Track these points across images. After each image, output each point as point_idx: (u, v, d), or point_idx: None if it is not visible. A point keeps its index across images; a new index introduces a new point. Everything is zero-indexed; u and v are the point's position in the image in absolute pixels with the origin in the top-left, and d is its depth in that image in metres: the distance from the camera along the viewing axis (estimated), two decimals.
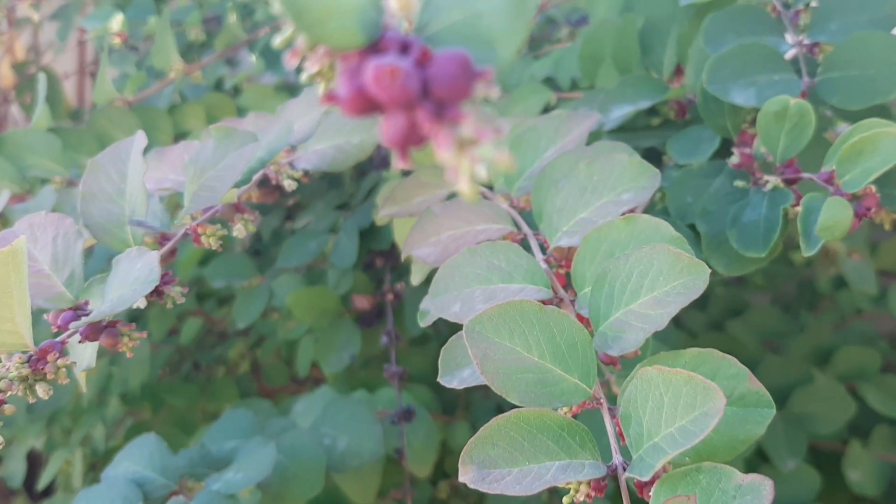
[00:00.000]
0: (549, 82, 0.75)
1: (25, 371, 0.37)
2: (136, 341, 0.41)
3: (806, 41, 0.52)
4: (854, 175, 0.43)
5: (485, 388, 0.34)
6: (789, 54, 0.52)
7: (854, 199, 0.43)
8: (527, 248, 0.42)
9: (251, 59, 0.99)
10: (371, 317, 0.79)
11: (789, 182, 0.48)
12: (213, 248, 0.46)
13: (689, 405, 0.28)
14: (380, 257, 0.78)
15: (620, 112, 0.57)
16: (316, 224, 0.78)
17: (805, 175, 0.47)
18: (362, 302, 0.78)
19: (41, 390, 0.38)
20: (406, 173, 0.63)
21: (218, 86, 0.97)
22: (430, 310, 0.40)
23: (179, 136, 0.77)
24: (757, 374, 0.32)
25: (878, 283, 0.86)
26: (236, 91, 0.96)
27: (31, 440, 0.97)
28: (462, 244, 0.43)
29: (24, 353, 0.38)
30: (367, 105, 0.19)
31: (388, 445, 0.65)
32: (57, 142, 0.69)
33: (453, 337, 0.37)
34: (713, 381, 0.28)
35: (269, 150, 0.48)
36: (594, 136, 0.55)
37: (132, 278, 0.39)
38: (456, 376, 0.36)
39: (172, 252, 0.46)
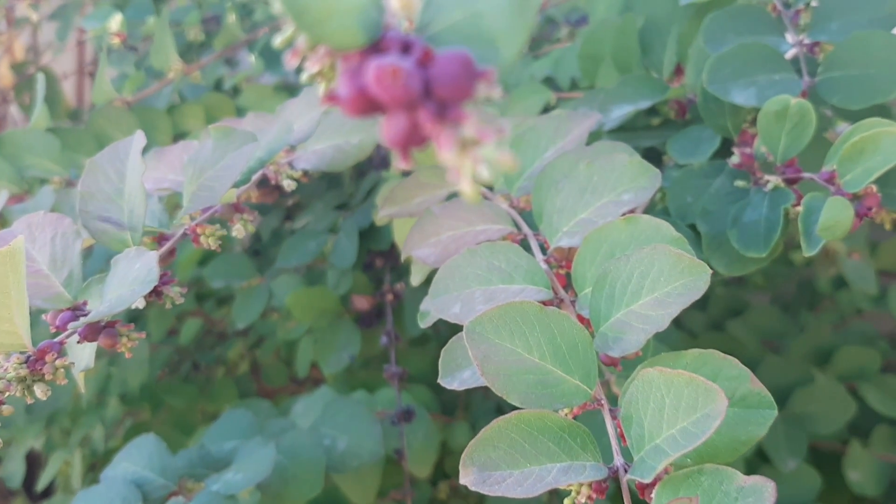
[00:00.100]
0: (549, 82, 0.75)
1: (23, 372, 0.37)
2: (134, 342, 0.41)
3: (806, 41, 0.52)
4: (855, 175, 0.43)
5: (485, 388, 0.34)
6: (789, 54, 0.51)
7: (855, 198, 0.43)
8: (527, 248, 0.42)
9: (250, 60, 0.98)
10: (371, 317, 0.79)
11: (790, 182, 0.48)
12: (212, 248, 0.46)
13: (691, 407, 0.27)
14: (379, 257, 0.78)
15: (620, 112, 0.57)
16: (315, 224, 0.78)
17: (806, 175, 0.47)
18: (362, 302, 0.78)
19: (39, 391, 0.37)
20: (406, 173, 0.63)
21: (217, 86, 0.96)
22: (430, 311, 0.39)
23: (178, 136, 0.77)
24: (757, 374, 0.32)
25: (878, 283, 0.86)
26: (235, 91, 0.96)
27: (30, 441, 0.97)
28: (462, 245, 0.43)
29: (22, 353, 0.37)
30: (368, 105, 0.19)
31: (387, 446, 0.65)
32: (56, 142, 0.69)
33: (453, 338, 0.37)
34: (715, 383, 0.28)
35: (268, 149, 0.47)
36: (594, 136, 0.55)
37: (131, 278, 0.39)
38: (456, 377, 0.36)
39: (171, 252, 0.46)
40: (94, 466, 0.97)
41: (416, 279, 0.52)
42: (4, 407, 0.37)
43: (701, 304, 0.89)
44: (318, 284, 0.80)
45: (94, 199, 0.43)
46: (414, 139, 0.19)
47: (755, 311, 0.88)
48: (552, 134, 0.49)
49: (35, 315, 0.42)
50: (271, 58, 0.94)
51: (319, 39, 0.19)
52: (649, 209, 0.53)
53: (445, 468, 0.78)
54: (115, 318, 0.41)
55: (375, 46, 0.19)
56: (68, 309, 0.41)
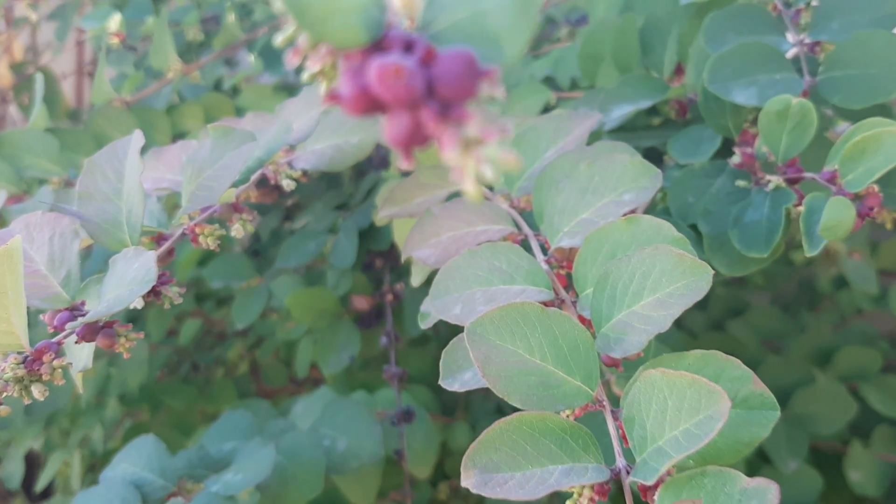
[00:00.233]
0: (549, 82, 0.74)
1: (21, 372, 0.37)
2: (132, 342, 0.41)
3: (807, 40, 0.51)
4: (857, 174, 0.43)
5: (485, 388, 0.33)
6: (790, 53, 0.51)
7: (857, 198, 0.43)
8: (527, 249, 0.42)
9: (250, 59, 0.98)
10: (370, 317, 0.78)
11: (791, 182, 0.48)
12: (211, 248, 0.46)
13: (694, 408, 0.27)
14: (379, 258, 0.78)
15: (621, 112, 0.57)
16: (315, 224, 0.78)
17: (807, 175, 0.46)
18: (361, 303, 0.78)
19: (37, 391, 0.37)
20: (405, 174, 0.62)
21: (216, 86, 0.96)
22: (431, 312, 0.39)
23: (178, 136, 0.77)
24: (758, 374, 0.32)
25: (878, 283, 0.86)
26: (235, 91, 0.95)
27: (29, 441, 0.97)
28: (462, 245, 0.43)
29: (19, 353, 0.37)
30: (370, 105, 0.19)
31: (387, 447, 0.65)
32: (54, 142, 0.69)
33: (454, 339, 0.37)
34: (717, 384, 0.28)
35: (267, 149, 0.47)
36: (594, 136, 0.55)
37: (129, 279, 0.39)
38: (457, 379, 0.36)
39: (170, 252, 0.46)
40: (94, 467, 0.97)
41: (416, 280, 0.52)
42: (2, 407, 0.36)
43: (701, 304, 0.89)
44: (317, 285, 0.80)
45: (93, 199, 0.43)
46: (416, 139, 0.18)
47: (756, 311, 0.88)
48: (553, 134, 0.49)
49: (33, 315, 0.42)
50: (270, 58, 0.94)
51: (321, 38, 0.19)
52: (650, 209, 0.53)
53: (445, 469, 0.78)
54: (114, 319, 0.41)
55: (377, 45, 0.19)
56: (66, 309, 0.41)
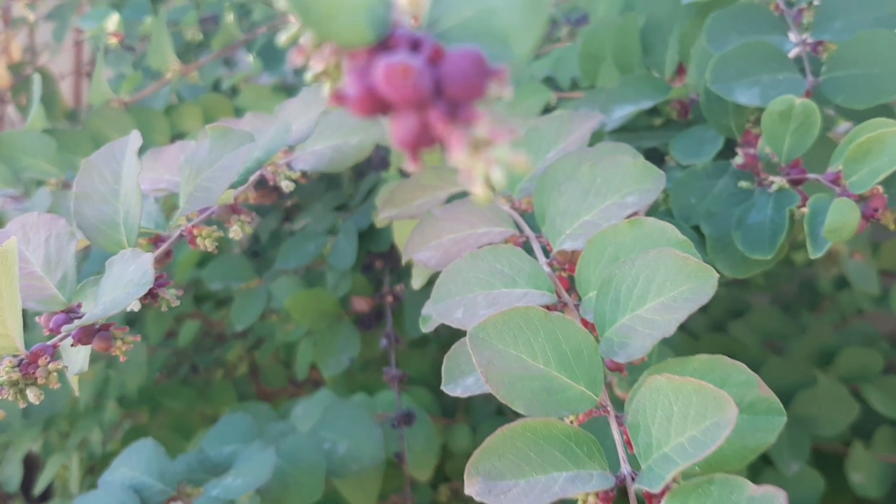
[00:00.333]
0: (550, 82, 0.74)
1: (16, 375, 0.36)
2: (129, 345, 0.40)
3: (809, 40, 0.51)
4: (861, 176, 0.42)
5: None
6: (793, 53, 0.51)
7: (861, 199, 0.43)
8: (529, 251, 0.42)
9: (248, 60, 0.98)
10: (370, 319, 0.78)
11: (795, 183, 0.47)
12: (209, 250, 0.45)
13: (700, 415, 0.27)
14: (379, 259, 0.78)
15: (622, 112, 0.56)
16: (314, 225, 0.77)
17: (811, 176, 0.46)
18: (361, 304, 0.78)
19: (32, 395, 0.37)
20: (405, 174, 0.62)
21: (215, 86, 0.96)
22: (433, 315, 0.39)
23: (176, 136, 0.77)
24: (760, 375, 0.31)
25: (879, 284, 0.85)
26: (234, 91, 0.95)
27: (27, 443, 0.96)
28: (464, 247, 0.43)
29: (14, 356, 0.37)
30: (376, 105, 0.18)
31: (387, 449, 0.65)
32: (52, 143, 0.69)
33: (456, 344, 0.36)
34: (723, 389, 0.27)
35: (266, 150, 0.47)
36: (595, 137, 0.55)
37: (125, 281, 0.38)
38: (460, 384, 0.36)
39: (167, 254, 0.46)
40: (93, 469, 0.96)
41: (416, 283, 0.52)
42: None
43: (703, 305, 0.88)
44: (317, 286, 0.79)
45: (90, 200, 0.43)
46: (424, 140, 0.18)
47: (757, 311, 0.88)
48: (554, 135, 0.48)
49: (29, 317, 0.41)
50: (270, 58, 0.94)
51: (326, 37, 0.19)
52: (652, 210, 0.53)
53: (446, 471, 0.78)
54: (111, 321, 0.40)
55: (383, 44, 0.19)
56: (62, 311, 0.40)
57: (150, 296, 0.42)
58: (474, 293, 0.38)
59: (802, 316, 0.93)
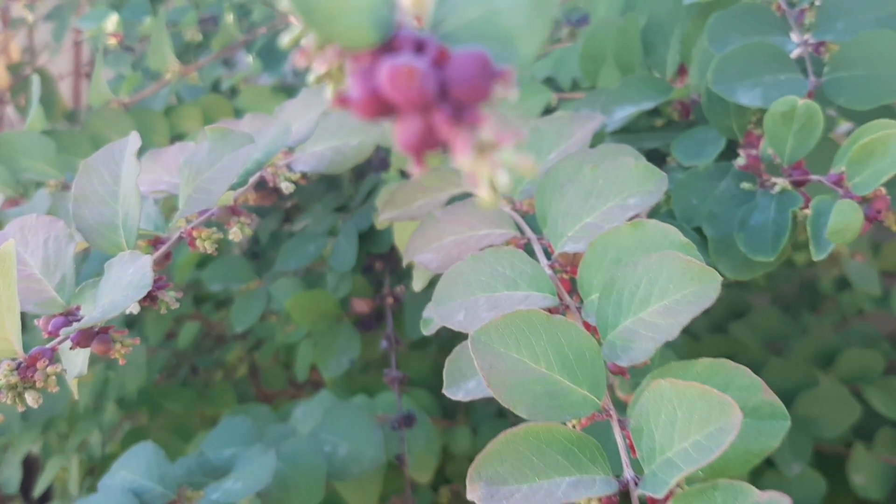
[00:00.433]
0: (550, 83, 0.74)
1: (14, 379, 0.36)
2: (128, 348, 0.40)
3: (811, 40, 0.51)
4: (864, 177, 0.42)
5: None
6: (795, 53, 0.51)
7: (864, 201, 0.43)
8: (530, 252, 0.41)
9: (248, 60, 0.97)
10: (370, 320, 0.78)
11: (797, 184, 0.47)
12: (208, 251, 0.45)
13: (704, 420, 0.27)
14: (379, 260, 0.78)
15: (623, 113, 0.56)
16: (314, 227, 0.77)
17: (814, 177, 0.46)
18: (361, 305, 0.77)
19: (30, 399, 0.37)
20: (405, 176, 0.62)
21: (215, 87, 0.95)
22: (434, 318, 0.39)
23: (176, 137, 0.76)
24: (762, 377, 0.31)
25: (880, 284, 0.85)
26: (233, 92, 0.95)
27: (27, 445, 0.96)
28: (465, 249, 0.42)
29: (12, 360, 0.37)
30: (380, 107, 0.18)
31: (388, 451, 0.64)
32: (51, 144, 0.68)
33: (457, 347, 0.36)
34: (726, 393, 0.27)
35: (265, 151, 0.47)
36: (597, 138, 0.55)
37: (124, 283, 0.38)
38: (461, 388, 0.36)
39: (167, 256, 0.45)
40: (92, 471, 0.96)
41: (417, 285, 0.52)
42: None
43: None
44: (317, 287, 0.79)
45: (88, 202, 0.43)
46: (429, 143, 0.18)
47: (757, 312, 0.88)
48: (555, 136, 0.48)
49: (27, 320, 0.41)
50: (269, 58, 0.94)
51: (329, 38, 0.18)
52: (654, 212, 0.53)
53: (447, 473, 0.78)
54: (109, 324, 0.40)
55: (387, 46, 0.18)
56: (61, 314, 0.40)
57: (149, 298, 0.41)
58: (476, 296, 0.37)
59: (803, 317, 0.93)
